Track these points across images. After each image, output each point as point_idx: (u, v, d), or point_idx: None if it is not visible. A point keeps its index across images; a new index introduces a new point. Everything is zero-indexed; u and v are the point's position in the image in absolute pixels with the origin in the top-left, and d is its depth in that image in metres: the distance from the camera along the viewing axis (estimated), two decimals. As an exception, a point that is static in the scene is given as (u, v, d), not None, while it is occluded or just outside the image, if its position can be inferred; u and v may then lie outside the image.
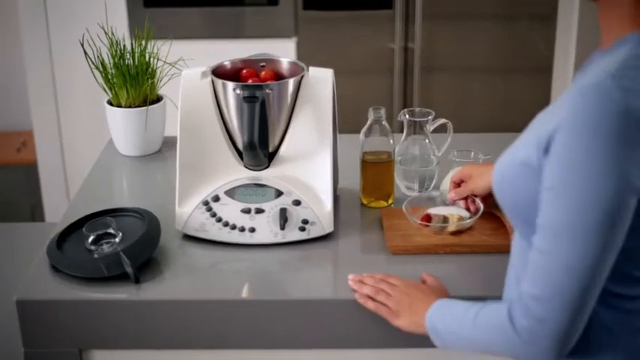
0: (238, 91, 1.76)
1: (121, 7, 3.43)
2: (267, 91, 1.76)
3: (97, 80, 2.19)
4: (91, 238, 1.72)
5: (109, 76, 2.16)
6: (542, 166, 1.22)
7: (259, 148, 1.76)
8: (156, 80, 2.18)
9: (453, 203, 1.81)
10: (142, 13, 3.45)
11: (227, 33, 3.45)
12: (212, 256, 1.76)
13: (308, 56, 3.47)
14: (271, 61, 1.91)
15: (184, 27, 3.46)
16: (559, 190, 1.17)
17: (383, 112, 1.89)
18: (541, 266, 1.21)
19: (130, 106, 2.16)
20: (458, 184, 1.81)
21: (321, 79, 1.83)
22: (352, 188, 1.99)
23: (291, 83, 1.80)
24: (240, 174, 1.81)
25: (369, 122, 1.90)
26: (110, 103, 2.21)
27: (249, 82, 1.85)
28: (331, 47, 3.48)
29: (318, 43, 3.48)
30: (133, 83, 2.14)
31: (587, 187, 1.15)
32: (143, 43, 2.17)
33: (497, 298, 1.58)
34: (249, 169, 1.82)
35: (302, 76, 1.83)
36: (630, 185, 1.15)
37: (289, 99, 1.81)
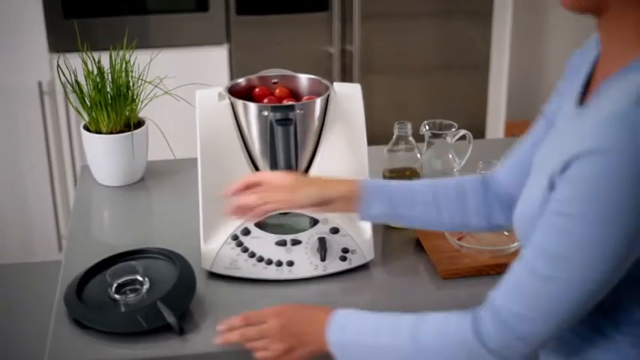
0: (266, 113, 1.61)
1: (37, 19, 3.15)
2: (298, 111, 1.61)
3: (72, 104, 1.97)
4: (114, 286, 1.53)
5: (86, 100, 1.95)
6: (554, 187, 1.13)
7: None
8: (137, 102, 1.98)
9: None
10: (62, 24, 3.20)
11: (155, 42, 3.23)
12: (246, 294, 1.60)
13: (242, 63, 3.32)
14: (285, 78, 1.76)
15: (109, 38, 3.21)
16: (577, 221, 1.09)
17: (409, 127, 1.78)
18: (535, 289, 1.15)
19: (111, 132, 1.96)
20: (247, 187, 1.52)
21: (350, 95, 1.70)
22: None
23: (319, 102, 1.66)
24: (269, 203, 1.65)
25: (393, 138, 1.78)
26: (87, 128, 1.99)
27: (266, 101, 1.70)
28: (266, 53, 3.34)
29: (252, 49, 3.33)
30: (114, 106, 1.93)
31: (609, 222, 1.07)
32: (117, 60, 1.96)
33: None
34: (276, 196, 1.67)
35: (328, 94, 1.69)
36: None
37: (317, 118, 1.67)
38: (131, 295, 1.52)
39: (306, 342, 1.35)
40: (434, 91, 3.51)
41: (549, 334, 1.16)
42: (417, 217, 1.51)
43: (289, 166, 1.59)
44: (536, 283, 1.14)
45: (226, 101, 1.67)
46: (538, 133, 1.44)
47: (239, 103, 1.65)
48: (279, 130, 1.58)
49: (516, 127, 3.73)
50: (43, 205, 3.39)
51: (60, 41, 3.20)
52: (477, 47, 3.47)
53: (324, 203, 1.50)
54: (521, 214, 1.28)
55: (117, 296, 1.52)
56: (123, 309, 1.50)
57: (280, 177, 1.51)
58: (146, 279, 1.54)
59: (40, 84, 3.20)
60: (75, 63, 1.99)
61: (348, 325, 1.31)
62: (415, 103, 3.50)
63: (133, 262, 1.56)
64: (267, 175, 1.53)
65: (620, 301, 1.19)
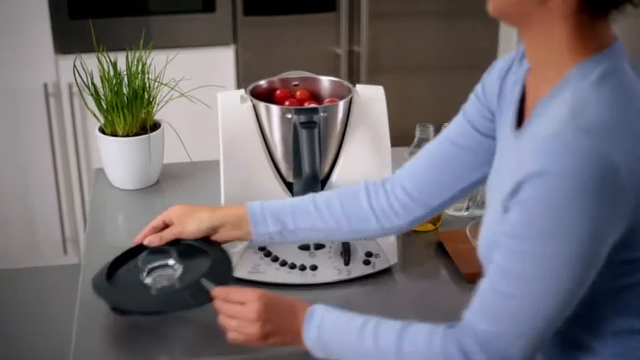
0: (290, 116, 1.59)
1: (43, 20, 3.12)
2: (322, 114, 1.59)
3: (87, 107, 1.95)
4: (146, 272, 1.49)
5: (102, 102, 1.93)
6: (507, 210, 1.13)
7: (319, 178, 1.60)
8: (153, 104, 1.96)
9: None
10: (67, 25, 3.17)
11: (161, 43, 3.19)
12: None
13: (249, 64, 3.30)
14: (306, 80, 1.75)
15: (116, 39, 3.19)
16: (530, 241, 1.10)
17: (431, 129, 1.76)
18: (501, 307, 1.15)
19: (127, 135, 1.94)
20: (162, 228, 1.55)
21: (374, 97, 1.69)
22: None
23: (342, 104, 1.64)
24: (291, 206, 1.64)
25: (415, 141, 1.77)
26: (102, 131, 1.97)
27: (287, 103, 1.68)
28: (273, 54, 3.31)
29: (259, 50, 3.31)
30: (131, 109, 1.91)
31: (561, 239, 1.08)
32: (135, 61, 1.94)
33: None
34: (299, 200, 1.65)
35: (351, 96, 1.67)
36: (606, 234, 1.09)
37: (340, 121, 1.65)
38: (164, 283, 1.47)
39: (283, 332, 1.33)
40: (441, 91, 3.49)
41: (528, 348, 1.16)
42: (304, 229, 1.49)
43: (313, 169, 1.57)
44: (501, 301, 1.15)
45: (248, 104, 1.65)
46: (455, 131, 1.44)
47: (261, 106, 1.63)
48: (303, 133, 1.56)
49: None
50: (48, 208, 3.36)
51: (66, 42, 3.17)
52: (483, 47, 3.46)
53: (213, 231, 1.51)
54: (484, 240, 1.28)
55: (148, 281, 1.47)
56: (154, 293, 1.44)
57: (170, 212, 1.53)
58: (178, 265, 1.49)
59: (45, 85, 3.17)
60: (81, 64, 1.96)
61: (325, 325, 1.30)
62: (422, 103, 3.48)
63: (165, 247, 1.51)
64: (163, 214, 1.55)
65: (602, 313, 1.20)
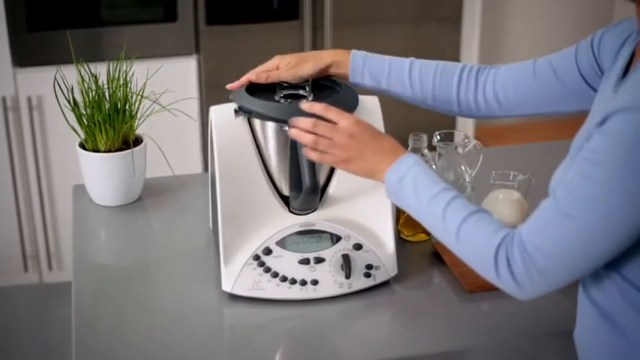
0: (286, 128, 1.56)
1: (0, 33, 3.04)
2: (319, 126, 1.57)
3: (67, 122, 1.89)
4: (281, 95, 1.60)
5: (83, 117, 1.87)
6: (590, 137, 1.18)
7: (319, 190, 1.58)
8: (135, 118, 1.91)
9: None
10: (25, 38, 3.09)
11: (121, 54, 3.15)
12: (267, 315, 1.56)
13: (212, 73, 3.25)
14: (297, 90, 1.72)
15: (76, 50, 3.13)
16: (601, 168, 1.15)
17: (424, 139, 1.75)
18: (556, 225, 1.20)
19: (109, 150, 1.89)
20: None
21: (369, 108, 1.67)
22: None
23: (338, 115, 1.62)
24: (289, 220, 1.61)
25: (409, 150, 1.75)
26: (82, 147, 1.91)
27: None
28: (237, 63, 3.27)
29: (222, 59, 3.27)
30: (113, 123, 1.86)
31: (630, 174, 1.13)
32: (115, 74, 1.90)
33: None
34: (295, 214, 1.62)
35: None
36: None
37: (335, 132, 1.63)
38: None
39: (365, 161, 1.41)
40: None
41: (566, 273, 1.21)
42: (395, 92, 1.68)
43: (313, 182, 1.54)
44: (559, 219, 1.19)
45: (242, 117, 1.62)
46: (561, 63, 1.52)
47: (256, 119, 1.60)
48: (301, 147, 1.53)
49: (485, 131, 3.75)
50: (8, 224, 3.27)
51: (23, 55, 3.10)
52: (446, 52, 3.47)
53: (322, 72, 1.64)
54: (557, 175, 1.30)
55: (282, 102, 1.59)
56: (278, 100, 1.60)
57: (281, 59, 1.67)
58: (310, 95, 1.60)
59: (4, 99, 3.10)
60: (39, 77, 1.91)
61: (407, 179, 1.37)
62: (389, 107, 3.47)
63: (302, 83, 1.62)
64: (271, 62, 1.69)
65: None
